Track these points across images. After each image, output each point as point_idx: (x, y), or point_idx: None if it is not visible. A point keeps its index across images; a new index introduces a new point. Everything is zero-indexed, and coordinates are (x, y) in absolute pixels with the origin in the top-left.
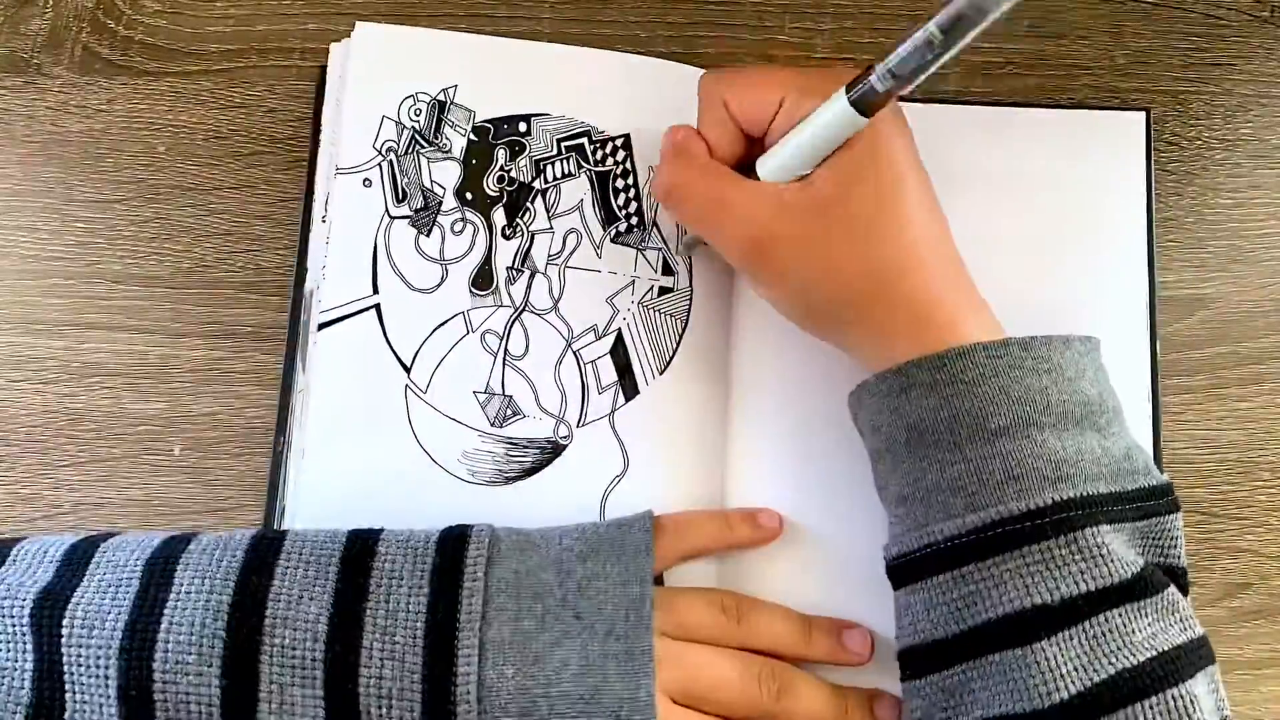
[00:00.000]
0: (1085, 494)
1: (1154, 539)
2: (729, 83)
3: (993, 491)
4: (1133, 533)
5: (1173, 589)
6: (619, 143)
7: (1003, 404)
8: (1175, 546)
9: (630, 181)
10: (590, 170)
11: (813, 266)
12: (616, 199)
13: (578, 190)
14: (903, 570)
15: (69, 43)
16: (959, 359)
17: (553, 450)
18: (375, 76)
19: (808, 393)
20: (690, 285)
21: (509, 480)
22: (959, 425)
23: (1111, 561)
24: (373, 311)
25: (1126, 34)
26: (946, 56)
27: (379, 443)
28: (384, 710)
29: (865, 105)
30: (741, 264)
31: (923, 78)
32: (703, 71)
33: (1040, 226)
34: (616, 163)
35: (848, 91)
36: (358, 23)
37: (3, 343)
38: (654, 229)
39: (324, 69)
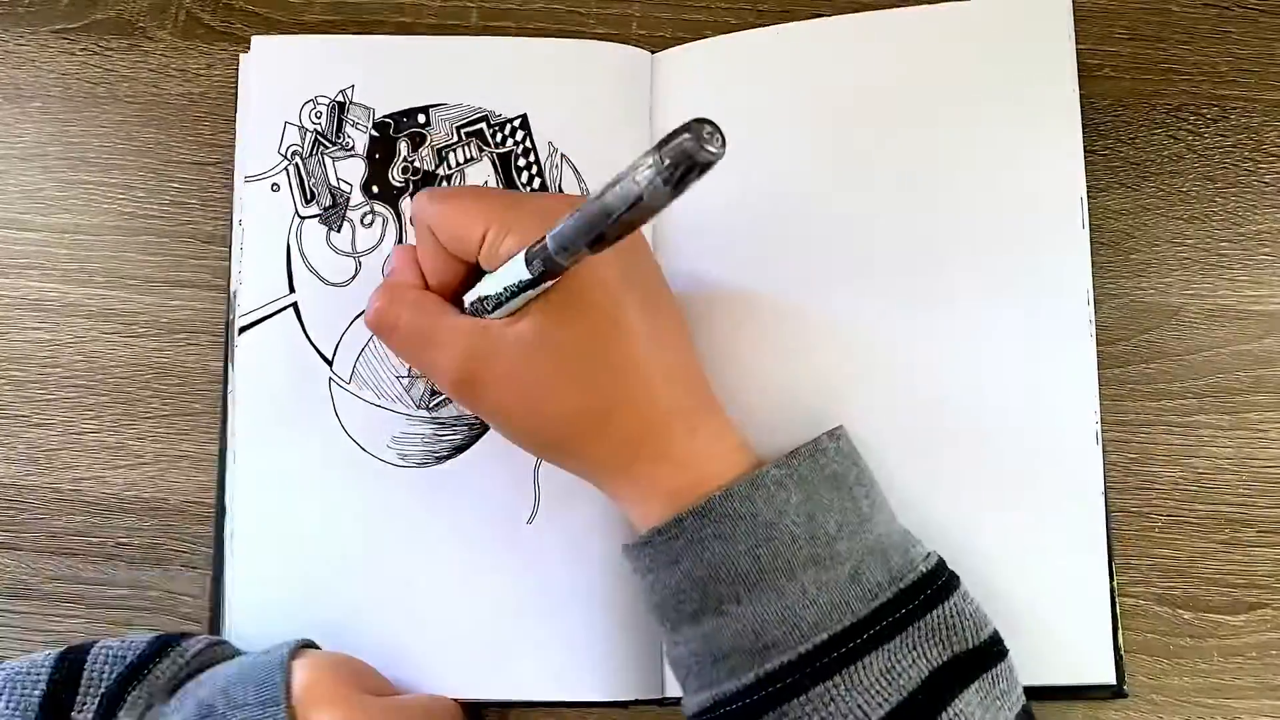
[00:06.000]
0: (801, 654)
1: (936, 635)
2: (432, 211)
3: (709, 671)
4: (895, 652)
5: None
6: (517, 124)
7: (687, 589)
8: (962, 630)
9: (531, 160)
10: (491, 153)
11: (521, 405)
12: (520, 177)
13: (481, 173)
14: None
15: (174, 8)
16: (640, 551)
17: (481, 425)
18: (274, 85)
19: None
20: None
21: (439, 460)
22: (663, 612)
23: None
24: (290, 310)
25: (1231, 40)
26: (621, 238)
27: (309, 438)
28: None
29: (547, 274)
30: (454, 398)
31: (611, 246)
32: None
33: (969, 139)
34: (516, 143)
35: (527, 259)
36: (254, 37)
37: (96, 295)
38: None
39: None
